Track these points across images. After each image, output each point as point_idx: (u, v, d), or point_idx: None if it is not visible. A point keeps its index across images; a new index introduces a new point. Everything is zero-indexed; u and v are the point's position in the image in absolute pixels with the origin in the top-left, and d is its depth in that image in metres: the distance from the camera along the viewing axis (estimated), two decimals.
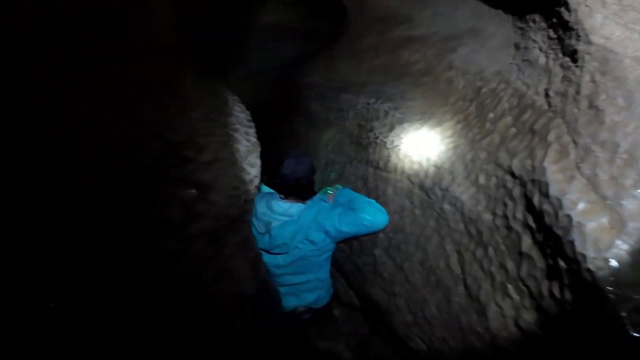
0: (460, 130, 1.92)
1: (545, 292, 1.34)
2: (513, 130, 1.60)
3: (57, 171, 1.10)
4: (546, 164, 1.30)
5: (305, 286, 2.21)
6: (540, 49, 1.61)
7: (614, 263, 1.06)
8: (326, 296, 2.32)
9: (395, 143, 2.14)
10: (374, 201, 2.10)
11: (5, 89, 1.03)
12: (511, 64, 1.81)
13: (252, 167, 1.50)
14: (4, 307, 0.96)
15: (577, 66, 1.38)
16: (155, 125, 1.28)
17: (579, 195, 1.18)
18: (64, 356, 1.05)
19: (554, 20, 1.52)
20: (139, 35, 1.32)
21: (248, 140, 1.55)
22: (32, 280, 1.06)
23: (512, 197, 1.49)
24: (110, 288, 1.20)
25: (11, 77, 1.04)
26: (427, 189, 1.94)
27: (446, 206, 1.84)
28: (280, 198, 2.02)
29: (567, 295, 1.23)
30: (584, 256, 1.09)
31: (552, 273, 1.30)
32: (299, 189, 2.01)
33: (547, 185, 1.26)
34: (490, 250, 1.61)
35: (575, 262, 1.13)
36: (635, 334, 1.01)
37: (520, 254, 1.43)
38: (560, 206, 1.20)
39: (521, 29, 1.79)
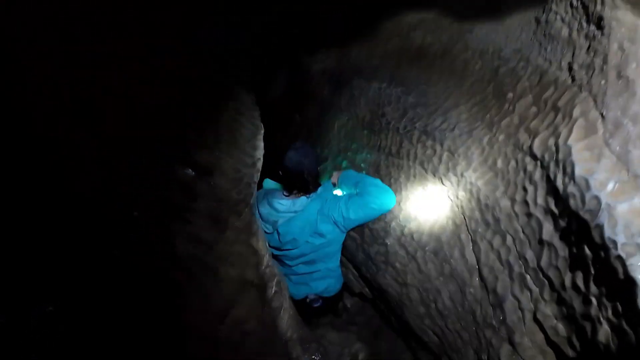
0: (477, 112, 1.77)
1: (568, 284, 1.20)
2: (534, 109, 1.45)
3: (57, 171, 1.08)
4: (571, 141, 1.15)
5: (316, 275, 2.15)
6: (563, 20, 1.44)
7: None
8: (336, 285, 2.24)
9: (408, 128, 2.01)
10: (378, 181, 1.97)
11: (5, 89, 1.01)
12: (532, 40, 1.65)
13: (255, 150, 1.42)
14: (4, 307, 0.93)
15: (603, 34, 1.22)
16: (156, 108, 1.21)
17: (608, 174, 1.04)
18: (64, 356, 1.02)
19: None
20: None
21: (252, 124, 1.47)
22: (32, 280, 1.03)
23: (532, 181, 1.34)
24: (110, 288, 1.15)
25: (11, 77, 1.02)
26: (441, 175, 1.80)
27: (461, 193, 1.71)
28: (284, 195, 1.92)
29: (593, 286, 1.09)
30: (614, 242, 0.95)
31: (576, 262, 1.16)
32: (304, 182, 1.89)
33: (572, 165, 1.12)
34: (509, 239, 1.47)
35: (603, 248, 0.99)
36: None
37: (541, 242, 1.29)
38: (588, 187, 1.06)
39: (542, 1, 1.62)
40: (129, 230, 1.14)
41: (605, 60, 1.19)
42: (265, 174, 1.84)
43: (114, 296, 1.14)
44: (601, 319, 1.05)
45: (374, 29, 2.46)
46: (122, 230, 1.14)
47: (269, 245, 2.04)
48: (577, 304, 1.17)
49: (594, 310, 1.10)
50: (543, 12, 1.57)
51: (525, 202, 1.38)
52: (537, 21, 1.61)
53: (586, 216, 1.05)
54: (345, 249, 2.38)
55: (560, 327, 1.23)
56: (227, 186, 1.30)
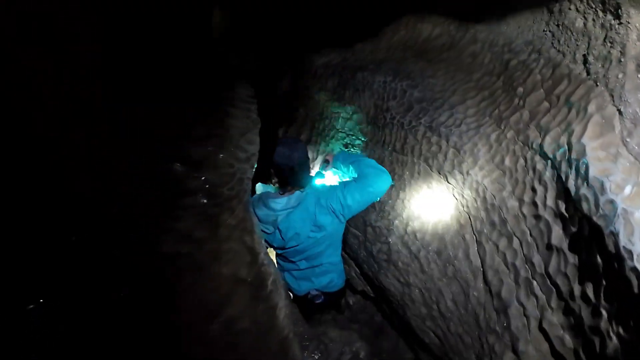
0: (485, 107, 1.66)
1: (577, 293, 1.10)
2: (545, 104, 1.34)
3: (57, 171, 1.06)
4: (585, 139, 1.05)
5: (318, 270, 2.08)
6: (578, 10, 1.32)
7: None
8: (339, 280, 2.17)
9: (413, 124, 1.90)
10: (373, 162, 1.88)
11: (5, 89, 0.99)
12: (544, 31, 1.53)
13: (249, 145, 1.34)
14: (4, 307, 0.92)
15: (621, 23, 1.10)
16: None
17: (625, 176, 0.93)
18: (64, 356, 1.00)
19: None
20: None
21: (248, 117, 1.38)
22: (32, 280, 1.00)
23: (542, 181, 1.24)
24: (109, 287, 1.12)
25: (11, 77, 1.00)
26: (446, 173, 1.70)
27: (466, 191, 1.61)
28: (279, 193, 1.88)
29: (604, 298, 0.99)
30: (629, 252, 0.85)
31: (586, 271, 1.06)
32: (297, 175, 1.84)
33: (586, 165, 1.01)
34: (515, 242, 1.37)
35: (617, 258, 0.89)
36: None
37: (550, 247, 1.19)
38: (602, 190, 0.95)
39: None
40: (129, 230, 1.11)
41: (623, 52, 1.07)
42: (260, 177, 1.80)
43: (111, 297, 1.10)
44: (611, 333, 0.95)
45: (379, 21, 2.35)
46: (122, 230, 1.10)
47: (272, 246, 1.99)
48: (585, 315, 1.07)
49: (603, 324, 1.00)
50: (556, 1, 1.45)
51: (534, 204, 1.27)
52: (550, 11, 1.49)
53: (600, 222, 0.95)
54: (347, 246, 2.30)
55: (567, 338, 1.13)
56: (219, 182, 1.23)
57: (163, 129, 1.21)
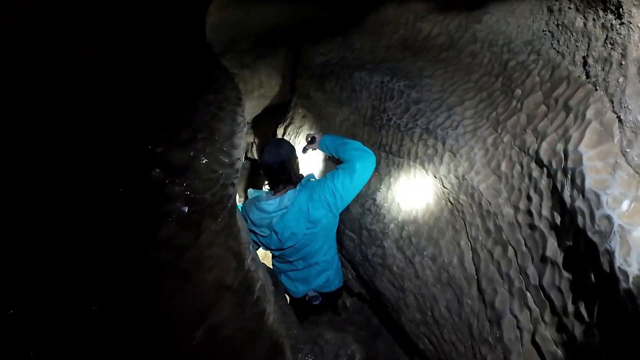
0: (483, 109, 1.58)
1: (570, 309, 1.03)
2: (543, 108, 1.26)
3: (57, 171, 1.05)
4: (582, 148, 0.97)
5: (315, 269, 2.04)
6: (578, 9, 1.23)
7: None
8: (336, 278, 2.13)
9: (410, 125, 1.83)
10: (359, 144, 1.88)
11: (5, 89, 0.99)
12: (544, 31, 1.44)
13: (234, 149, 1.29)
14: (4, 307, 0.90)
15: (622, 24, 1.02)
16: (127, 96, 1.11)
17: (623, 190, 0.86)
18: (64, 356, 0.98)
19: None
20: None
21: (234, 120, 1.33)
22: (32, 280, 0.99)
23: (537, 190, 1.16)
24: (109, 287, 1.10)
25: (11, 77, 0.99)
26: (442, 177, 1.63)
27: (462, 197, 1.54)
28: (271, 194, 1.85)
29: (597, 317, 0.92)
30: (624, 273, 0.78)
31: (580, 287, 0.99)
32: (287, 172, 1.82)
33: (582, 175, 0.94)
34: (510, 251, 1.30)
35: (612, 278, 0.82)
36: None
37: (544, 259, 1.12)
38: (599, 204, 0.88)
39: None
40: (129, 230, 1.10)
41: (624, 54, 0.99)
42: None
43: (112, 295, 1.08)
44: (604, 355, 0.88)
45: (379, 19, 2.27)
46: (122, 230, 1.09)
47: (270, 249, 1.95)
48: (578, 333, 1.00)
49: (596, 344, 0.93)
50: (556, 0, 1.36)
51: (529, 213, 1.20)
52: (550, 10, 1.40)
53: (595, 238, 0.87)
54: (343, 249, 2.24)
55: (560, 354, 1.06)
56: (202, 187, 1.18)
57: (144, 132, 1.17)
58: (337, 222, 2.01)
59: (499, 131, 1.43)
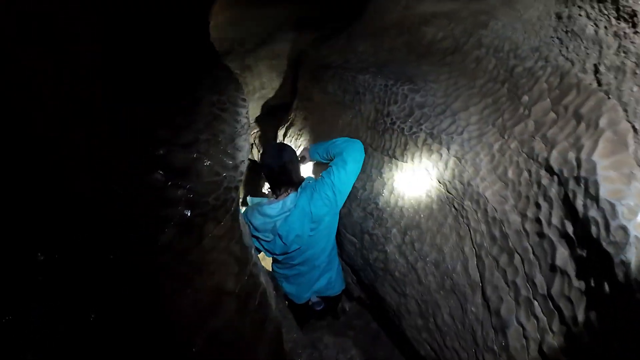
0: (489, 115, 1.57)
1: (580, 319, 1.01)
2: (552, 115, 1.25)
3: (57, 171, 1.04)
4: (596, 157, 0.95)
5: (317, 272, 2.03)
6: (589, 17, 1.22)
7: None
8: (337, 281, 2.12)
9: (414, 130, 1.81)
10: (342, 138, 1.97)
11: (5, 89, 0.97)
12: (552, 37, 1.43)
13: (238, 151, 1.26)
14: (4, 307, 0.89)
15: (637, 32, 1.01)
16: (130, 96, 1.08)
17: (639, 201, 0.84)
18: (64, 356, 0.96)
19: None
20: None
21: (237, 122, 1.30)
22: (32, 280, 0.98)
23: (547, 198, 1.15)
24: (109, 288, 1.08)
25: (11, 77, 0.98)
26: (447, 182, 1.61)
27: (467, 203, 1.52)
28: (272, 199, 1.85)
29: (609, 328, 0.90)
30: None
31: (592, 297, 0.97)
32: (288, 174, 1.83)
33: (596, 185, 0.92)
34: (517, 258, 1.28)
35: (627, 290, 0.80)
36: None
37: (553, 268, 1.10)
38: (614, 214, 0.86)
39: None
40: (129, 230, 1.08)
41: (638, 62, 0.98)
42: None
43: (112, 296, 1.07)
44: None
45: (383, 22, 2.25)
46: (122, 230, 1.07)
47: (273, 254, 1.92)
48: (588, 343, 0.98)
49: (607, 353, 0.91)
50: (565, 7, 1.35)
51: (538, 220, 1.18)
52: (559, 17, 1.39)
53: (609, 249, 0.86)
54: (344, 253, 2.22)
55: None
56: (204, 190, 1.15)
57: (145, 133, 1.14)
58: (337, 221, 2.01)
59: (506, 137, 1.41)
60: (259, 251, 1.94)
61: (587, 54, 1.17)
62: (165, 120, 1.16)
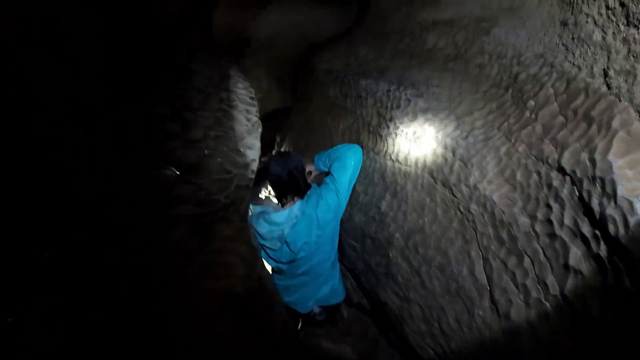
0: (494, 120, 1.59)
1: (596, 317, 1.02)
2: (560, 118, 1.27)
3: (57, 171, 1.04)
4: (611, 157, 0.97)
5: (320, 279, 2.01)
6: (596, 23, 1.26)
7: None
8: (339, 287, 2.11)
9: (418, 134, 1.83)
10: (341, 144, 2.00)
11: (5, 89, 0.97)
12: (557, 44, 1.47)
13: (249, 149, 1.24)
14: (4, 307, 0.89)
15: None
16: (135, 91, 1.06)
17: None
18: (64, 356, 0.97)
19: None
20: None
21: (248, 120, 1.29)
22: (32, 280, 0.97)
23: (558, 199, 1.16)
24: (109, 288, 1.07)
25: (11, 77, 0.98)
26: (452, 186, 1.62)
27: (473, 206, 1.53)
28: (276, 208, 1.86)
29: (629, 324, 0.91)
30: None
31: (610, 294, 0.98)
32: (295, 182, 1.82)
33: (613, 183, 0.94)
34: (527, 260, 1.29)
35: None
36: None
37: (567, 267, 1.11)
38: (632, 211, 0.88)
39: (570, 3, 1.44)
40: (129, 230, 1.08)
41: None
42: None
43: (112, 296, 1.05)
44: None
45: (384, 28, 2.28)
46: (122, 230, 1.07)
47: (279, 262, 1.90)
48: (604, 340, 0.99)
49: (627, 351, 0.92)
50: (571, 14, 1.39)
51: (549, 222, 1.20)
52: (564, 23, 1.43)
53: (630, 244, 0.87)
54: (344, 258, 2.20)
55: None
56: (214, 189, 1.13)
57: (156, 129, 1.12)
58: (339, 226, 2.00)
59: (513, 141, 1.43)
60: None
61: (595, 59, 1.21)
62: (172, 115, 1.14)
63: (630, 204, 0.89)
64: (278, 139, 2.68)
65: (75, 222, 1.03)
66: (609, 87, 1.12)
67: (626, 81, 1.06)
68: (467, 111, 1.71)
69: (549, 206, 1.20)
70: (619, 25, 1.14)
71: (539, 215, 1.24)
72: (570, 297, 1.11)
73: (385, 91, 2.01)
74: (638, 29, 1.05)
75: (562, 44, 1.43)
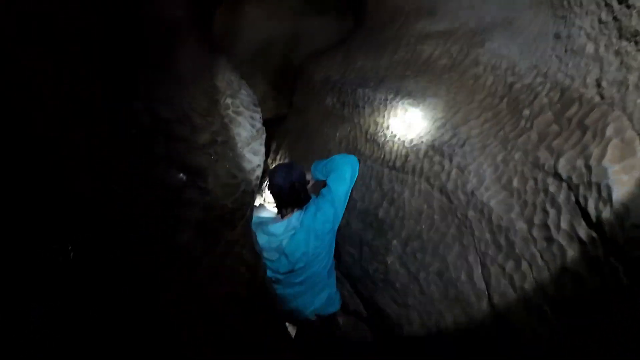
0: (489, 129, 1.64)
1: (595, 317, 1.06)
2: (555, 127, 1.32)
3: (57, 171, 1.03)
4: (606, 163, 1.02)
5: (317, 288, 2.02)
6: (589, 36, 1.33)
7: None
8: (336, 296, 2.13)
9: (415, 142, 1.87)
10: (339, 155, 2.08)
11: (5, 89, 0.96)
12: (550, 56, 1.53)
13: (254, 155, 1.26)
14: (4, 307, 0.88)
15: (639, 50, 1.10)
16: (144, 96, 1.06)
17: None
18: (64, 356, 0.96)
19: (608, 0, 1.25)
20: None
21: (252, 126, 1.31)
22: (33, 280, 0.97)
23: (555, 204, 1.20)
24: (109, 288, 1.07)
25: (11, 77, 0.97)
26: (449, 193, 1.66)
27: (471, 212, 1.56)
28: (276, 218, 1.89)
29: (632, 324, 0.95)
30: None
31: (608, 295, 1.01)
32: (297, 194, 1.87)
33: (609, 188, 0.98)
34: (524, 265, 1.32)
35: None
36: None
37: (564, 270, 1.15)
38: (628, 215, 0.92)
39: (563, 17, 1.51)
40: (129, 230, 1.08)
41: None
42: None
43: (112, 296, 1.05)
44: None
45: (380, 39, 2.34)
46: (122, 230, 1.07)
47: (278, 272, 1.91)
48: (604, 342, 1.03)
49: (622, 345, 0.95)
50: (564, 27, 1.46)
51: (546, 226, 1.24)
52: (557, 36, 1.50)
53: (626, 246, 0.91)
54: (341, 264, 2.21)
55: None
56: (221, 193, 1.14)
57: (163, 132, 1.13)
58: (335, 235, 2.02)
59: (509, 148, 1.48)
60: None
61: (588, 70, 1.26)
62: (181, 119, 1.15)
63: (627, 208, 0.93)
64: (274, 147, 2.70)
65: (75, 222, 1.03)
66: (602, 97, 1.18)
67: (619, 91, 1.12)
68: (463, 120, 1.75)
69: (545, 211, 1.24)
70: (611, 39, 1.20)
71: (536, 220, 1.28)
72: (568, 299, 1.14)
73: (382, 100, 2.05)
74: (630, 42, 1.11)
75: (555, 56, 1.49)
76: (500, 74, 1.76)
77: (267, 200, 2.58)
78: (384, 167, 2.00)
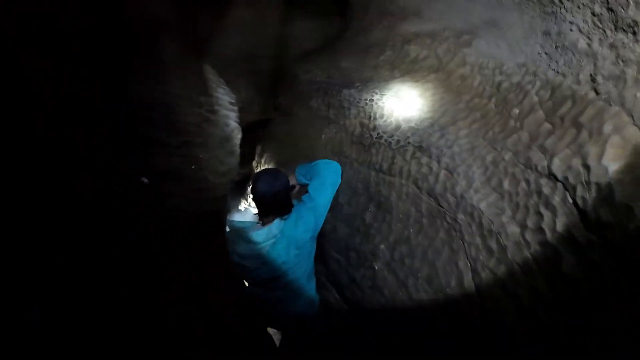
0: (478, 129, 1.56)
1: (591, 321, 0.97)
2: (547, 126, 1.24)
3: (57, 171, 0.97)
4: (606, 161, 0.94)
5: (296, 293, 1.92)
6: (581, 31, 1.26)
7: None
8: (315, 300, 2.03)
9: (402, 143, 1.78)
10: (322, 161, 1.98)
11: (5, 89, 0.90)
12: (539, 54, 1.46)
13: (229, 157, 1.15)
14: (4, 307, 0.83)
15: (637, 41, 1.03)
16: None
17: None
18: (64, 356, 0.90)
19: None
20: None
21: (227, 125, 1.20)
22: (33, 280, 0.91)
23: (549, 206, 1.12)
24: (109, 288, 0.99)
25: (11, 77, 0.91)
26: (437, 196, 1.57)
27: (460, 216, 1.47)
28: (258, 224, 1.80)
29: (632, 324, 0.86)
30: None
31: (606, 299, 0.93)
32: (279, 203, 1.79)
33: (610, 188, 0.90)
34: (517, 269, 1.23)
35: None
36: None
37: (560, 274, 1.06)
38: (631, 216, 0.84)
39: (552, 13, 1.44)
40: (129, 230, 1.03)
41: None
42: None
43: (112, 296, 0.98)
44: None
45: (366, 40, 2.25)
46: (122, 230, 1.01)
47: (256, 280, 1.82)
48: (600, 341, 0.94)
49: (621, 348, 0.87)
50: (554, 24, 1.39)
51: (540, 230, 1.15)
52: (546, 33, 1.43)
53: (627, 247, 0.82)
54: (327, 271, 2.10)
55: None
56: (188, 198, 1.04)
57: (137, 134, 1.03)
58: (316, 242, 1.95)
59: (499, 149, 1.40)
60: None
61: (581, 66, 1.19)
62: (155, 119, 1.05)
63: (629, 209, 0.85)
64: (259, 150, 2.59)
65: (75, 222, 0.96)
66: (597, 92, 1.10)
67: (616, 86, 1.04)
68: (451, 121, 1.67)
69: (539, 214, 1.15)
70: (605, 32, 1.13)
71: (529, 224, 1.19)
72: (563, 304, 1.05)
73: (368, 101, 1.96)
74: (627, 34, 1.04)
75: (545, 53, 1.42)
76: (488, 73, 1.68)
77: (251, 204, 2.46)
78: (371, 169, 1.91)
